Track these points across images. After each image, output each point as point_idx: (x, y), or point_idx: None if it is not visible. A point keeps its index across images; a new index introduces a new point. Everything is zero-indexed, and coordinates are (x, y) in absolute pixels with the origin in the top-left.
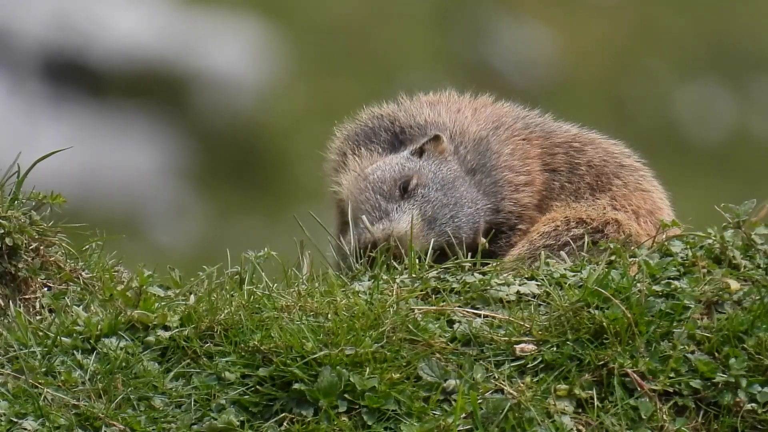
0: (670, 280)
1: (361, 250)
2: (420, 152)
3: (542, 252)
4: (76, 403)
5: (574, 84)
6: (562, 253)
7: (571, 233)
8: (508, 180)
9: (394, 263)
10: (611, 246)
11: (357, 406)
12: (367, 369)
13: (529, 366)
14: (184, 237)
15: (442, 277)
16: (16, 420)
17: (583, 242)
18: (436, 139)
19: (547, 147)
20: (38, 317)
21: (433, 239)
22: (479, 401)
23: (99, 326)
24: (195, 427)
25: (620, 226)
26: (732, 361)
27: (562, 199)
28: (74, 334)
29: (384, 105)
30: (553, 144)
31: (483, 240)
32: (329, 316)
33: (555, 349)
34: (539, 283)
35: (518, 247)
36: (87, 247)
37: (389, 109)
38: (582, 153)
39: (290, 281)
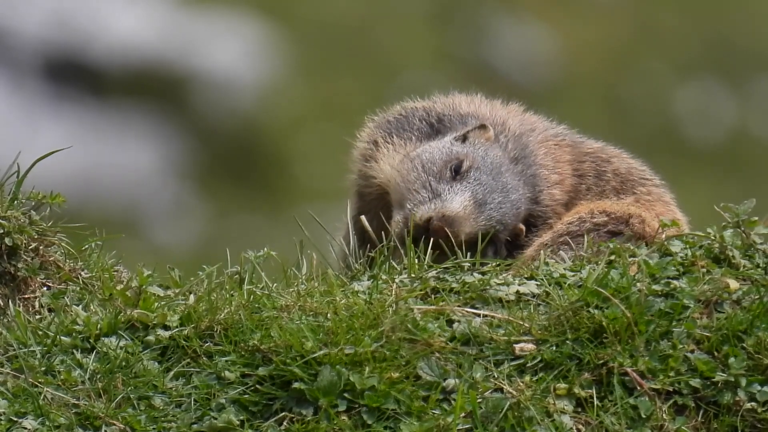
0: (670, 280)
1: (409, 233)
2: (463, 139)
3: (567, 238)
4: (76, 402)
5: (573, 83)
6: (562, 252)
7: (595, 220)
8: (544, 176)
9: (394, 263)
10: (611, 245)
11: (357, 406)
12: (367, 368)
13: (528, 365)
14: (184, 236)
15: (441, 276)
16: (16, 419)
17: (607, 230)
18: (482, 127)
19: (576, 154)
20: (38, 317)
21: (482, 223)
22: (479, 400)
23: (99, 326)
24: (195, 426)
25: (644, 220)
26: (731, 360)
27: (588, 199)
28: (74, 334)
29: (417, 99)
30: (581, 152)
31: (522, 226)
32: (329, 315)
33: (554, 348)
34: (539, 283)
35: (541, 238)
36: (86, 246)
37: (423, 102)
38: (608, 163)
39: (290, 281)
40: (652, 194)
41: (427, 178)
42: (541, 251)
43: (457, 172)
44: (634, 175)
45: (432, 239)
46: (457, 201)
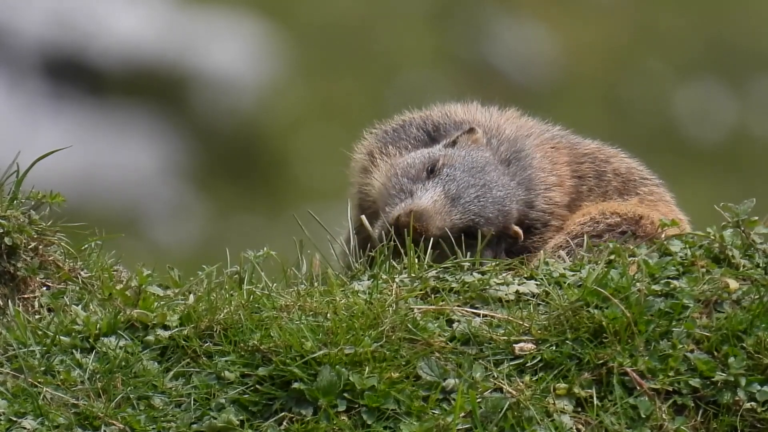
0: (670, 280)
1: (387, 234)
2: (453, 144)
3: (585, 238)
4: (75, 402)
5: (573, 83)
6: (561, 252)
7: (608, 221)
8: (541, 179)
9: (394, 263)
10: (610, 245)
11: (356, 406)
12: (367, 368)
13: (528, 365)
14: (184, 236)
15: (441, 276)
16: (15, 419)
17: (620, 230)
18: (470, 131)
19: (574, 156)
20: (37, 316)
21: (456, 217)
22: (478, 400)
23: (98, 325)
24: (194, 426)
25: (653, 221)
26: (731, 360)
27: (591, 200)
28: (73, 334)
29: (415, 110)
30: (579, 154)
31: (517, 229)
32: (328, 315)
33: (554, 348)
34: (538, 283)
35: (555, 239)
36: (86, 246)
37: (420, 112)
38: (607, 163)
39: (289, 281)
40: (654, 194)
41: (404, 182)
42: (557, 253)
43: (431, 171)
44: (635, 175)
45: (413, 238)
46: (426, 196)
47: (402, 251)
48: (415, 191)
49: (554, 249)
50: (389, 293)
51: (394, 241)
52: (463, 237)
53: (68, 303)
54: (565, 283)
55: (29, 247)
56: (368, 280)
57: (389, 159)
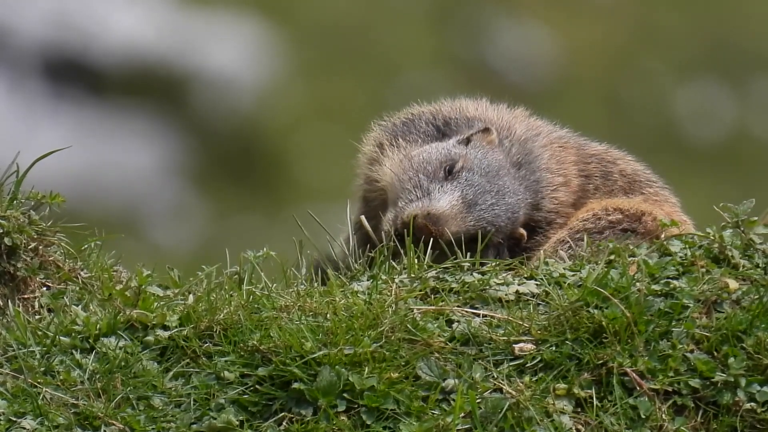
0: (669, 280)
1: (397, 231)
2: (467, 141)
3: (584, 235)
4: (75, 402)
5: (573, 84)
6: (561, 252)
7: (610, 217)
8: (548, 180)
9: (393, 263)
10: (611, 245)
11: (356, 406)
12: (366, 368)
13: (528, 365)
14: (183, 236)
15: (440, 276)
16: (15, 419)
17: (622, 228)
18: (486, 131)
19: (581, 156)
20: (37, 317)
21: (471, 223)
22: (478, 401)
23: (98, 326)
24: (194, 426)
25: (656, 218)
26: (731, 360)
27: (597, 197)
28: (73, 334)
29: (424, 104)
30: (587, 154)
31: (522, 231)
32: (328, 315)
33: (554, 348)
34: (538, 283)
35: (558, 234)
36: (86, 246)
37: (429, 106)
38: (614, 164)
39: (289, 281)
40: (659, 195)
41: (421, 178)
42: (558, 248)
43: (449, 172)
44: (641, 177)
45: (421, 237)
46: (444, 200)
47: (402, 251)
48: (432, 191)
49: (555, 244)
50: (389, 294)
51: (397, 239)
52: (462, 238)
53: (68, 303)
54: (565, 283)
55: (29, 247)
56: (368, 280)
57: (400, 151)
